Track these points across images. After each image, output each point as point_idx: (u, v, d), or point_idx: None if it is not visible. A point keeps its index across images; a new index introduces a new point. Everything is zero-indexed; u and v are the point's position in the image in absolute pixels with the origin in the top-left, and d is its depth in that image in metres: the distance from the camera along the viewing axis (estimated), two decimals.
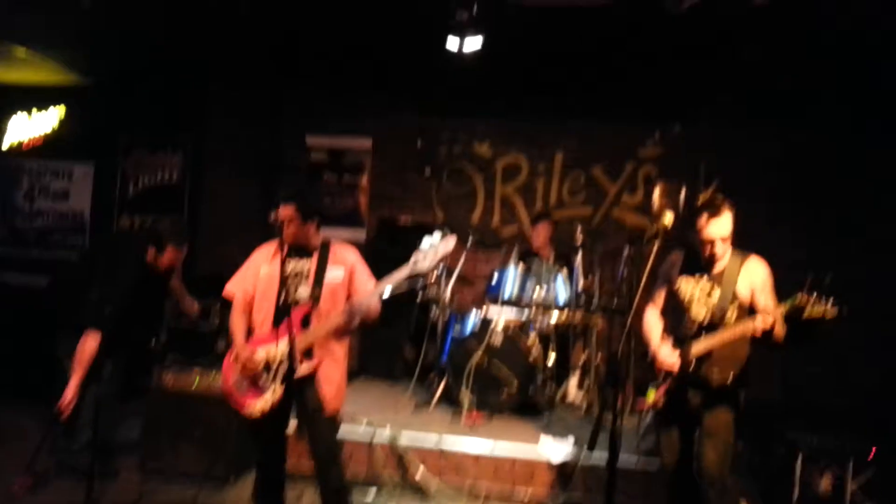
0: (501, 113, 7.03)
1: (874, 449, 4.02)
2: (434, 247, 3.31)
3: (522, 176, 7.13)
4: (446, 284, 5.73)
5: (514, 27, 4.83)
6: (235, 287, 3.58)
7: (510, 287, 5.50)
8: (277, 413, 3.37)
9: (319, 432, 3.45)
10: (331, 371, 3.43)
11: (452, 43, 4.86)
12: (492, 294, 5.56)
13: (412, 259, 3.32)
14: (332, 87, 7.04)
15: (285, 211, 3.36)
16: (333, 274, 3.44)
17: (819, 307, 3.02)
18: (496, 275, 5.66)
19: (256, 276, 3.51)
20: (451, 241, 3.33)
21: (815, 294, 3.04)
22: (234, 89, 7.22)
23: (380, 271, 4.06)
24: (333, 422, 3.50)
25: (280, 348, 3.33)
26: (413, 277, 3.32)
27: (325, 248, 3.51)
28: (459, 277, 5.81)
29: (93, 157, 7.49)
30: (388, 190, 7.28)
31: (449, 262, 5.86)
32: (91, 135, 7.34)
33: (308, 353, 3.36)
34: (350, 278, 3.48)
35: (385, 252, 6.36)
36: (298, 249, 3.48)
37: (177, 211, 7.25)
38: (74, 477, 4.14)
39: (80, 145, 7.36)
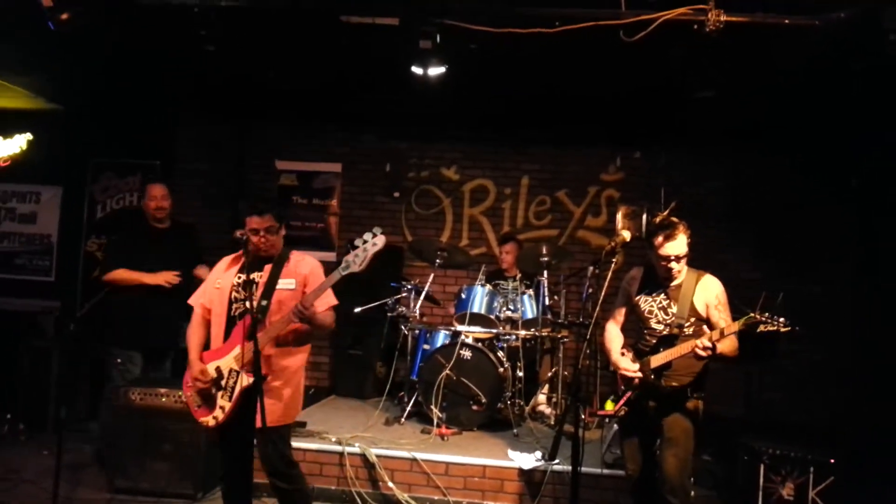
0: (468, 138, 7.22)
1: (832, 460, 4.14)
2: (364, 246, 3.30)
3: (489, 199, 7.29)
4: (416, 303, 5.81)
5: (478, 56, 4.97)
6: (194, 300, 3.59)
7: (478, 305, 5.59)
8: (234, 426, 3.33)
9: (262, 446, 3.37)
10: (274, 384, 3.36)
11: (416, 71, 4.98)
12: (460, 311, 5.64)
13: (344, 262, 3.31)
14: (299, 112, 7.13)
15: (262, 221, 3.40)
16: (284, 285, 3.41)
17: (772, 323, 3.16)
18: (464, 293, 5.75)
19: (213, 289, 3.51)
20: (380, 240, 3.32)
21: (767, 312, 3.18)
22: (202, 116, 7.29)
23: (350, 292, 4.14)
24: (275, 436, 3.37)
25: (228, 361, 3.32)
26: (347, 277, 3.31)
27: (280, 260, 3.46)
28: (428, 296, 5.88)
29: (61, 181, 7.43)
30: (358, 212, 7.36)
31: (418, 281, 6.00)
32: (59, 159, 7.26)
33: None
34: (303, 290, 3.42)
35: (355, 273, 6.38)
36: (255, 262, 3.43)
37: None
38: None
39: (48, 169, 7.27)
